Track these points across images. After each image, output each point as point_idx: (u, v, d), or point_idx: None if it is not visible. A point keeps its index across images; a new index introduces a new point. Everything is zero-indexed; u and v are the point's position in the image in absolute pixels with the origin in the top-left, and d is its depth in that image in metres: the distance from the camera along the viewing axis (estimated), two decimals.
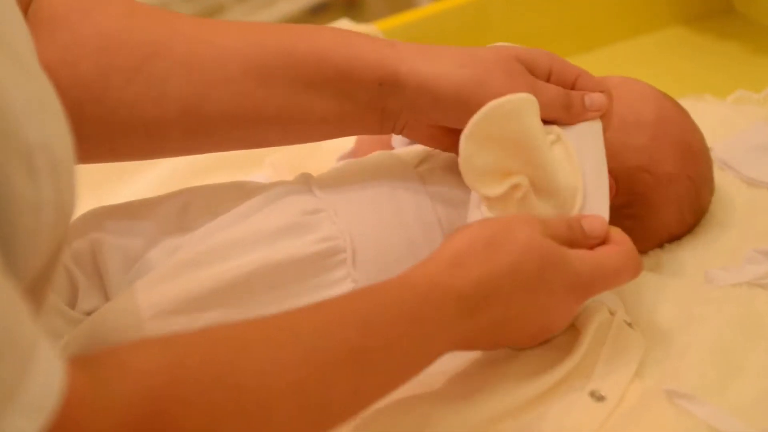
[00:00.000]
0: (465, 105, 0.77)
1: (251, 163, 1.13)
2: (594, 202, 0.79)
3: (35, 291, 0.55)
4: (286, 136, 0.84)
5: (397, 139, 0.98)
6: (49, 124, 0.53)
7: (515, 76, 0.78)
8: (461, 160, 0.75)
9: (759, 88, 1.19)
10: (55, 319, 0.77)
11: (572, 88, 0.82)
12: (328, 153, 1.07)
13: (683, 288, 0.87)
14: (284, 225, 0.80)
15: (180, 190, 0.86)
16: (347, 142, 1.06)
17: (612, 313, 0.81)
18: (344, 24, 1.32)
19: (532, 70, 0.80)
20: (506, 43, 0.83)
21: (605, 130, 0.83)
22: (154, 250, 0.81)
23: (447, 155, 0.86)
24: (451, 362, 0.78)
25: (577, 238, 0.75)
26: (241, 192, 0.85)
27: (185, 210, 0.83)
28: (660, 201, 0.93)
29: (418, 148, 0.90)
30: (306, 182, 0.85)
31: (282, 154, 1.07)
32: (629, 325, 0.81)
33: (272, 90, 0.78)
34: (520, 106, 0.75)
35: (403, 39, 1.29)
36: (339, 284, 0.79)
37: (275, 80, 0.78)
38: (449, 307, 0.68)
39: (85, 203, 1.07)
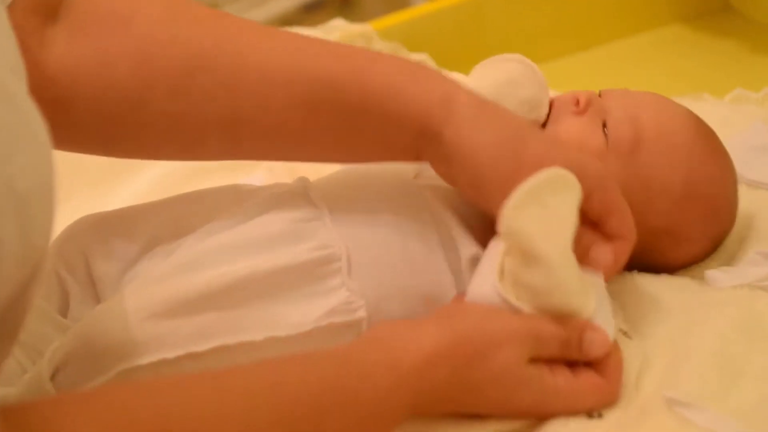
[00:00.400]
0: (498, 183, 0.74)
1: (248, 164, 1.12)
2: (602, 315, 0.75)
3: (4, 322, 0.54)
4: (320, 159, 0.83)
5: None
6: (17, 157, 0.51)
7: None
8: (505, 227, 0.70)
9: (757, 87, 1.19)
10: (45, 327, 0.76)
11: (598, 222, 0.77)
12: None
13: (683, 291, 0.86)
14: (279, 231, 0.79)
15: (177, 195, 0.85)
16: None
17: None
18: (338, 24, 1.31)
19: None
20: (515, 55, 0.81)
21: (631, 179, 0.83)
22: (148, 256, 0.81)
23: None
24: None
25: (570, 353, 0.73)
26: (237, 196, 0.84)
27: (180, 215, 0.82)
28: (674, 255, 0.90)
29: None
30: (303, 187, 0.84)
31: None
32: (625, 334, 0.80)
33: (314, 123, 0.77)
34: (575, 182, 0.72)
35: (399, 38, 1.31)
36: (334, 293, 0.78)
37: (318, 114, 0.76)
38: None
39: (83, 202, 1.07)
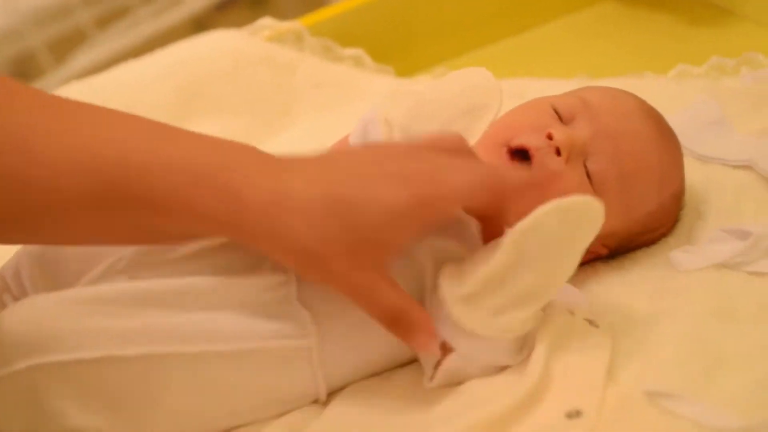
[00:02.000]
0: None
1: None
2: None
3: None
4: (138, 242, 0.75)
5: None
6: None
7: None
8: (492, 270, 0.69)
9: (698, 61, 1.16)
10: None
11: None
12: None
13: (648, 277, 0.84)
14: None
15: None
16: None
17: (572, 313, 0.76)
18: (267, 22, 1.27)
19: None
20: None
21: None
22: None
23: None
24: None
25: None
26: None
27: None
28: (643, 242, 0.90)
29: None
30: None
31: None
32: (592, 323, 0.76)
33: (109, 220, 0.69)
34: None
35: (330, 34, 1.27)
36: (282, 316, 0.74)
37: (113, 212, 0.68)
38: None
39: None
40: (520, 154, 0.83)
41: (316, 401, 0.78)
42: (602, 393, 0.70)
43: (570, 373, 0.72)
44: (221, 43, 1.24)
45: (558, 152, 0.81)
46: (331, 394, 0.78)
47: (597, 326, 0.76)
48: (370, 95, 1.22)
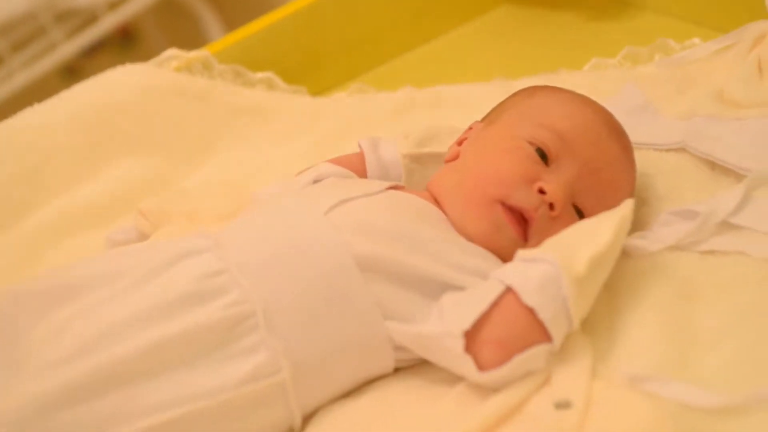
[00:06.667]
0: None
1: (111, 214, 1.05)
2: None
3: None
4: None
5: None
6: None
7: None
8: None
9: (608, 54, 1.18)
10: None
11: None
12: (212, 194, 0.98)
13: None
14: (183, 293, 0.73)
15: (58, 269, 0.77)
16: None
17: None
18: (173, 53, 1.23)
19: None
20: None
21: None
22: (39, 326, 0.74)
23: (367, 196, 0.83)
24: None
25: None
26: (131, 257, 0.77)
27: (68, 284, 0.75)
28: None
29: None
30: (203, 240, 0.78)
31: (153, 200, 0.97)
32: None
33: None
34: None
35: (238, 60, 1.24)
36: (252, 353, 0.72)
37: None
38: None
39: None
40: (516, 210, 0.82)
41: (290, 430, 0.76)
42: (590, 385, 0.71)
43: (555, 371, 0.72)
44: (128, 78, 1.18)
45: (552, 207, 0.81)
46: (306, 418, 0.76)
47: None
48: (287, 117, 1.20)
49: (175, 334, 0.71)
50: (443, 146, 0.93)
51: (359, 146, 0.96)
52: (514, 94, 0.94)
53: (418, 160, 0.95)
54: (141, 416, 0.69)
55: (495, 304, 0.73)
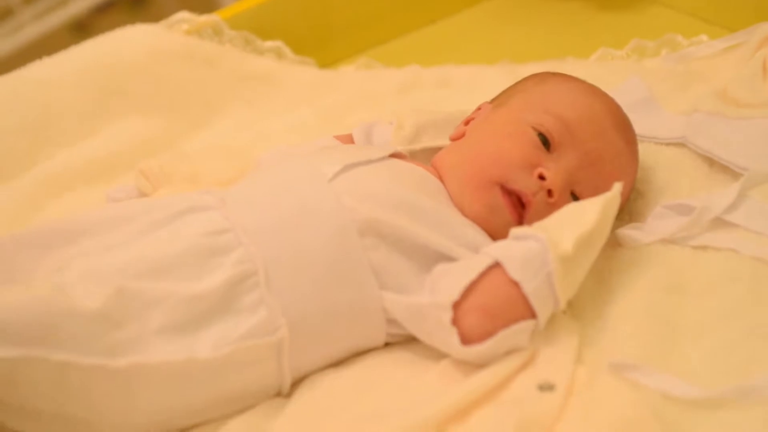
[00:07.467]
0: None
1: (112, 172, 1.05)
2: None
3: None
4: None
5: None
6: None
7: None
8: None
9: (617, 45, 1.19)
10: None
11: None
12: (214, 158, 0.99)
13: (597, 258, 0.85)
14: (187, 248, 0.75)
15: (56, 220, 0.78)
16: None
17: None
18: (184, 16, 1.23)
19: None
20: None
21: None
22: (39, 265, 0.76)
23: (369, 163, 0.84)
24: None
25: None
26: (138, 208, 0.78)
27: (69, 228, 0.77)
28: None
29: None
30: (209, 199, 0.79)
31: (154, 161, 0.98)
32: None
33: None
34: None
35: (248, 26, 1.25)
36: (252, 311, 0.74)
37: None
38: None
39: None
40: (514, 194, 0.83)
41: (278, 394, 0.77)
42: (573, 370, 0.72)
43: (541, 353, 0.73)
44: (138, 38, 1.19)
45: (550, 193, 0.82)
46: (293, 385, 0.77)
47: (564, 312, 0.78)
48: (294, 87, 1.21)
49: (181, 293, 0.73)
50: (436, 139, 0.94)
51: (352, 137, 0.97)
52: (526, 79, 0.94)
53: (410, 155, 0.95)
54: (143, 353, 0.71)
55: (482, 276, 0.74)
